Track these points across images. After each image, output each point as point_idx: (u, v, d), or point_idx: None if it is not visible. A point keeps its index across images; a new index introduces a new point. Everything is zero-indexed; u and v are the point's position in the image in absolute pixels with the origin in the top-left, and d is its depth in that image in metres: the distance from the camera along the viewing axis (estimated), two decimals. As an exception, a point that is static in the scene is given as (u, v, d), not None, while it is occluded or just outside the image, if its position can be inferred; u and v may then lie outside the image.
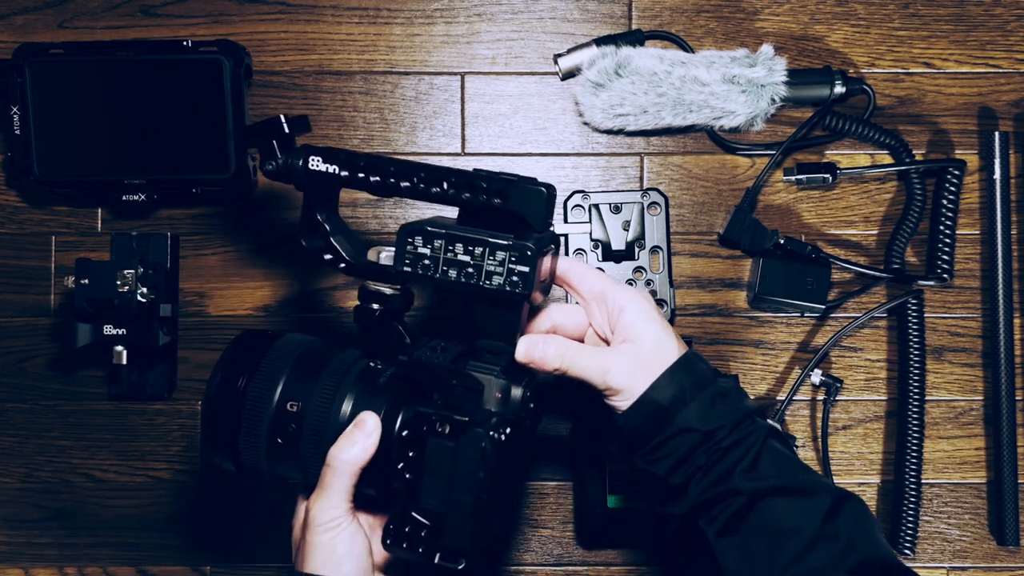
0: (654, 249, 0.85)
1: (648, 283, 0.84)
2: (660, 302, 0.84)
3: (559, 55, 0.85)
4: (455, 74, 0.86)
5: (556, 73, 0.86)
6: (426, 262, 0.57)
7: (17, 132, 0.80)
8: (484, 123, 0.86)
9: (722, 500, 0.59)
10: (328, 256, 0.62)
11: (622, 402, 0.60)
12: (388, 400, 0.59)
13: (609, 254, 0.84)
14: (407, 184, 0.58)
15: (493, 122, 0.86)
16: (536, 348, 0.60)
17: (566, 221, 0.85)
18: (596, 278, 0.63)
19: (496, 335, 0.60)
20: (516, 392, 0.58)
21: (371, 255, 0.62)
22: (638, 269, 0.84)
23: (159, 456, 0.85)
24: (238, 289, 0.85)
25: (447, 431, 0.55)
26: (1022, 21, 0.86)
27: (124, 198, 0.82)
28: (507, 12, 0.86)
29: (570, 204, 0.85)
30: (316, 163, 0.60)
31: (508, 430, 0.55)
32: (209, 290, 0.85)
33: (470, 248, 0.57)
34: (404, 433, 0.56)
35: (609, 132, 0.86)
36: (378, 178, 0.59)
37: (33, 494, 0.85)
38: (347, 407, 0.59)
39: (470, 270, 0.57)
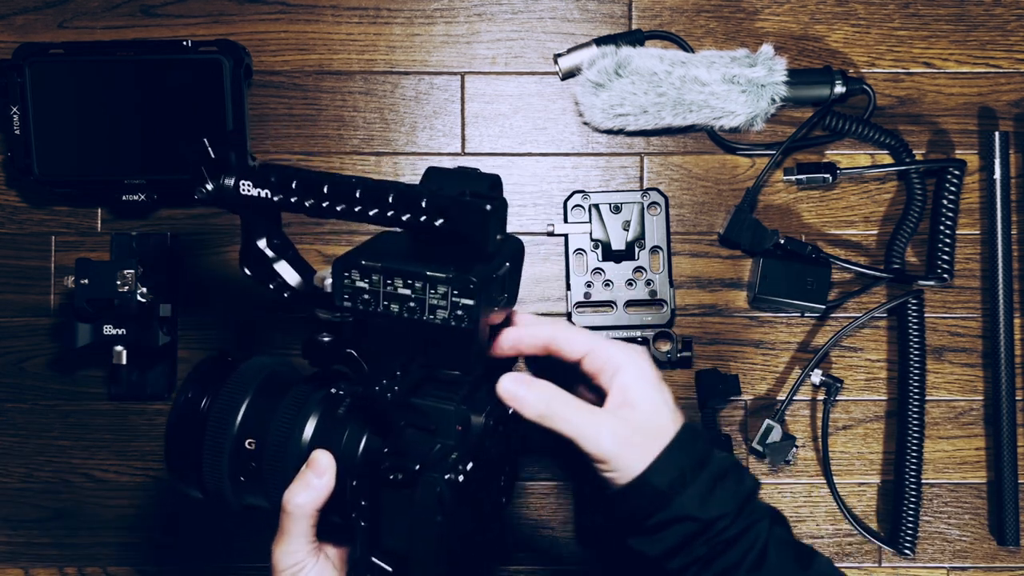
0: (654, 249, 0.85)
1: (648, 283, 0.84)
2: (660, 302, 0.84)
3: (559, 55, 0.85)
4: (455, 74, 0.86)
5: (556, 73, 0.86)
6: (365, 296, 0.53)
7: (17, 132, 0.80)
8: (484, 123, 0.86)
9: None
10: (271, 286, 0.58)
11: (613, 474, 0.54)
12: (349, 429, 0.56)
13: (609, 254, 0.84)
14: (343, 207, 0.53)
15: (493, 122, 0.86)
16: (519, 389, 0.54)
17: (566, 221, 0.85)
18: (586, 338, 0.57)
19: (451, 365, 0.55)
20: (477, 420, 0.54)
21: (317, 281, 0.57)
22: (638, 269, 0.84)
23: (159, 456, 0.85)
24: (237, 289, 0.85)
25: (399, 478, 0.51)
26: (1022, 21, 0.86)
27: (124, 198, 0.82)
28: (507, 12, 0.86)
29: (570, 204, 0.85)
30: (247, 187, 0.55)
31: (468, 466, 0.52)
32: (209, 290, 0.85)
33: (409, 282, 0.52)
34: (354, 484, 0.53)
35: (609, 132, 0.86)
36: (312, 201, 0.54)
37: (33, 494, 0.85)
38: (307, 438, 0.56)
39: (412, 304, 0.52)
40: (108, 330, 0.78)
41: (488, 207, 0.50)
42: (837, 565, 0.84)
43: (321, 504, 0.55)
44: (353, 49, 0.86)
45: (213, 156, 0.56)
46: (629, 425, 0.54)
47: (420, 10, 0.86)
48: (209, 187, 0.57)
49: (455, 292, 0.51)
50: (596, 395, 0.57)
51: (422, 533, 0.51)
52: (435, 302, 0.52)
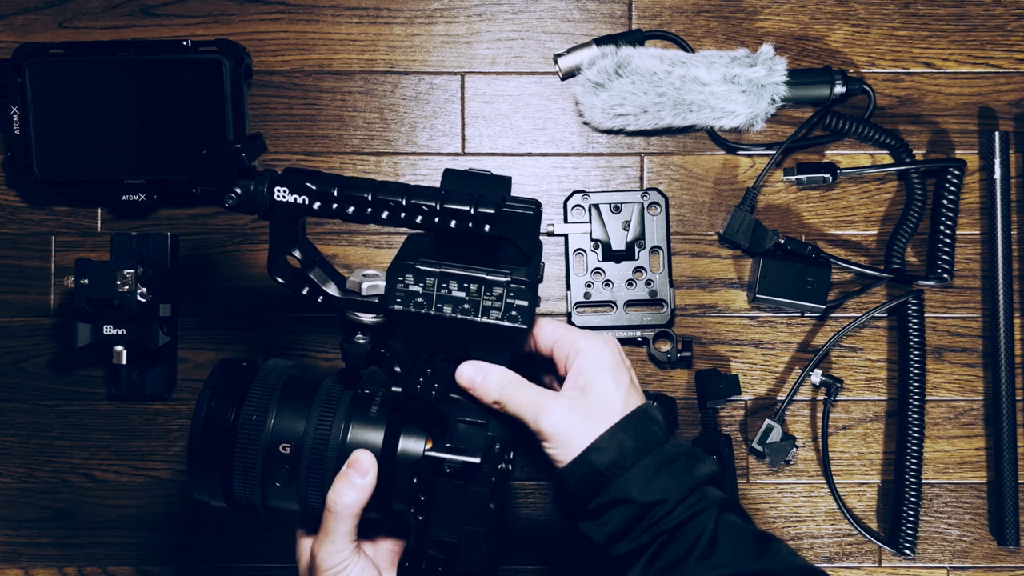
0: (654, 249, 0.85)
1: (648, 283, 0.84)
2: (660, 302, 0.84)
3: (559, 55, 0.85)
4: (455, 74, 0.86)
5: (556, 73, 0.86)
6: (419, 299, 0.55)
7: (17, 132, 0.80)
8: (484, 123, 0.86)
9: None
10: (305, 291, 0.58)
11: (555, 451, 0.55)
12: (384, 427, 0.57)
13: (609, 254, 0.84)
14: (389, 213, 0.53)
15: (493, 122, 0.86)
16: (479, 375, 0.55)
17: (566, 221, 0.85)
18: (554, 328, 0.59)
19: (492, 360, 0.57)
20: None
21: (351, 285, 0.58)
22: (638, 269, 0.84)
23: (159, 456, 0.85)
24: (238, 289, 0.85)
25: (462, 472, 0.53)
26: (1022, 21, 0.86)
27: (124, 198, 0.82)
28: (507, 12, 0.86)
29: (570, 204, 0.85)
30: (282, 194, 0.54)
31: (511, 454, 0.54)
32: (209, 290, 0.85)
33: (465, 285, 0.54)
34: (415, 480, 0.55)
35: (609, 132, 0.86)
36: (355, 208, 0.54)
37: (33, 494, 0.85)
38: (342, 439, 0.57)
39: (466, 306, 0.54)
40: (108, 330, 0.78)
41: (533, 213, 0.53)
42: (837, 565, 0.85)
43: (365, 503, 0.56)
44: (353, 49, 0.86)
45: (247, 163, 0.55)
46: (576, 405, 0.55)
47: (420, 10, 0.86)
48: (238, 191, 0.55)
49: (511, 294, 0.54)
50: (561, 385, 0.58)
51: (476, 518, 0.53)
52: (489, 303, 0.54)
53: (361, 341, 0.57)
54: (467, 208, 0.52)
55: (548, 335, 0.59)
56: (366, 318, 0.57)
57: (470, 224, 0.53)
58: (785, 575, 0.53)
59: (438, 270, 0.54)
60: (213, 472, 0.57)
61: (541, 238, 0.84)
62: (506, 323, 0.54)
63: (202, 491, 0.58)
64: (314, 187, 0.54)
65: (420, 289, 0.55)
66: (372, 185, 0.54)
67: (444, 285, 0.54)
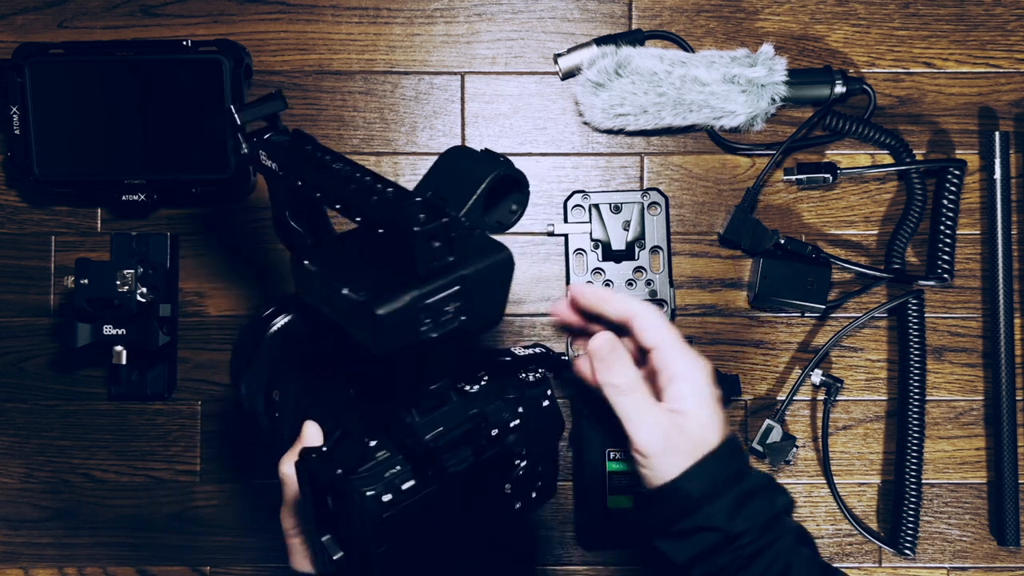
0: (654, 249, 0.85)
1: (648, 283, 0.84)
2: (660, 302, 0.84)
3: (559, 55, 0.85)
4: (455, 74, 0.86)
5: (556, 73, 0.86)
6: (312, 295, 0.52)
7: (17, 132, 0.80)
8: (484, 123, 0.86)
9: None
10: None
11: (647, 471, 0.56)
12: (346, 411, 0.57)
13: (609, 254, 0.84)
14: (325, 195, 0.52)
15: (493, 122, 0.86)
16: (612, 353, 0.56)
17: (566, 221, 0.85)
18: (660, 334, 0.58)
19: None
20: (433, 436, 0.52)
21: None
22: (638, 269, 0.84)
23: (159, 456, 0.85)
24: (238, 289, 0.85)
25: (325, 481, 0.52)
26: (1022, 21, 0.86)
27: (124, 198, 0.82)
28: (507, 12, 0.86)
29: (570, 204, 0.85)
30: (264, 157, 0.57)
31: (407, 484, 0.52)
32: (209, 290, 0.85)
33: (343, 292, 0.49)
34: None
35: (609, 132, 0.86)
36: (303, 183, 0.54)
37: (33, 494, 0.85)
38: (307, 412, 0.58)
39: (338, 315, 0.49)
40: (108, 330, 0.78)
41: (416, 229, 0.45)
42: (837, 565, 0.85)
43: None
44: (353, 49, 0.86)
45: (239, 123, 0.58)
46: (678, 429, 0.55)
47: (420, 10, 0.86)
48: (245, 149, 0.59)
49: (360, 317, 0.47)
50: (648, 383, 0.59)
51: (353, 536, 0.52)
52: (354, 321, 0.48)
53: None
54: (368, 203, 0.50)
55: (652, 337, 0.58)
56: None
57: (369, 220, 0.50)
58: None
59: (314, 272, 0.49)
60: (239, 365, 0.59)
61: (542, 237, 0.85)
62: (366, 344, 0.48)
63: (234, 376, 0.60)
64: (286, 160, 0.54)
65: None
66: (325, 168, 0.53)
67: (349, 306, 0.48)
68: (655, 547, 0.57)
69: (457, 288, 0.48)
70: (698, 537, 0.55)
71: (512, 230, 0.85)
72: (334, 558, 0.53)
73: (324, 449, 0.52)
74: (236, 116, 0.57)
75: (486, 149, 0.56)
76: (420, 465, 0.52)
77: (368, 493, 0.50)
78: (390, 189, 0.50)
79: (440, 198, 0.52)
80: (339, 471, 0.51)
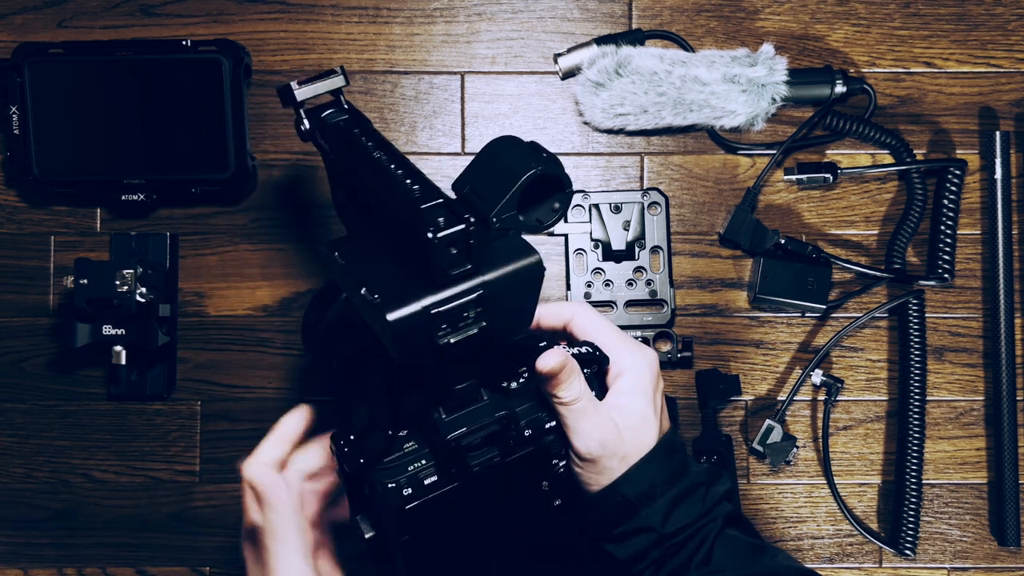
0: (654, 249, 0.84)
1: (648, 283, 0.84)
2: (660, 302, 0.84)
3: (559, 54, 0.85)
4: (455, 74, 0.86)
5: (556, 73, 0.85)
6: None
7: (16, 132, 0.80)
8: (484, 123, 0.86)
9: None
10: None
11: (587, 476, 0.57)
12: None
13: (609, 254, 0.84)
14: (359, 185, 0.53)
15: (493, 122, 0.86)
16: (564, 371, 0.54)
17: (566, 221, 0.84)
18: (600, 330, 0.59)
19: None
20: (457, 435, 0.52)
21: None
22: (638, 269, 0.84)
23: (159, 456, 0.85)
24: (237, 289, 0.85)
25: (345, 467, 0.52)
26: (1022, 21, 0.86)
27: (123, 198, 0.82)
28: (507, 12, 0.86)
29: (570, 204, 0.84)
30: (319, 136, 0.58)
31: (430, 479, 0.52)
32: (208, 290, 0.85)
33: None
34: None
35: (609, 132, 0.85)
36: (346, 169, 0.54)
37: (33, 494, 0.85)
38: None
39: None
40: (108, 330, 0.78)
41: (430, 235, 0.45)
42: (837, 565, 0.85)
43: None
44: (353, 49, 0.86)
45: (297, 100, 0.57)
46: (617, 432, 0.56)
47: (420, 10, 0.86)
48: (306, 125, 0.59)
49: (375, 319, 0.48)
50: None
51: (382, 523, 0.52)
52: (374, 321, 0.48)
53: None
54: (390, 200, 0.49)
55: (592, 334, 0.58)
56: None
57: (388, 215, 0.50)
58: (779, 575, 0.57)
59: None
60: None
61: (542, 237, 0.85)
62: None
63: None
64: (334, 141, 0.55)
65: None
66: (375, 166, 0.52)
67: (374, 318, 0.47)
68: (602, 549, 0.59)
69: (477, 295, 0.47)
70: (638, 538, 0.57)
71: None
72: (366, 536, 0.53)
73: (352, 437, 0.52)
74: (295, 92, 0.57)
75: (533, 142, 0.54)
76: (444, 462, 0.52)
77: (389, 485, 0.50)
78: (417, 187, 0.48)
79: (475, 194, 0.51)
80: (362, 460, 0.51)
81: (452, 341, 0.47)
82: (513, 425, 0.54)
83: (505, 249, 0.48)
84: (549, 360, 0.53)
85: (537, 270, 0.49)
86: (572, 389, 0.54)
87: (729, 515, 0.58)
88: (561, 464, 0.57)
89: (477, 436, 0.52)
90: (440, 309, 0.46)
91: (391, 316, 0.45)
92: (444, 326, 0.47)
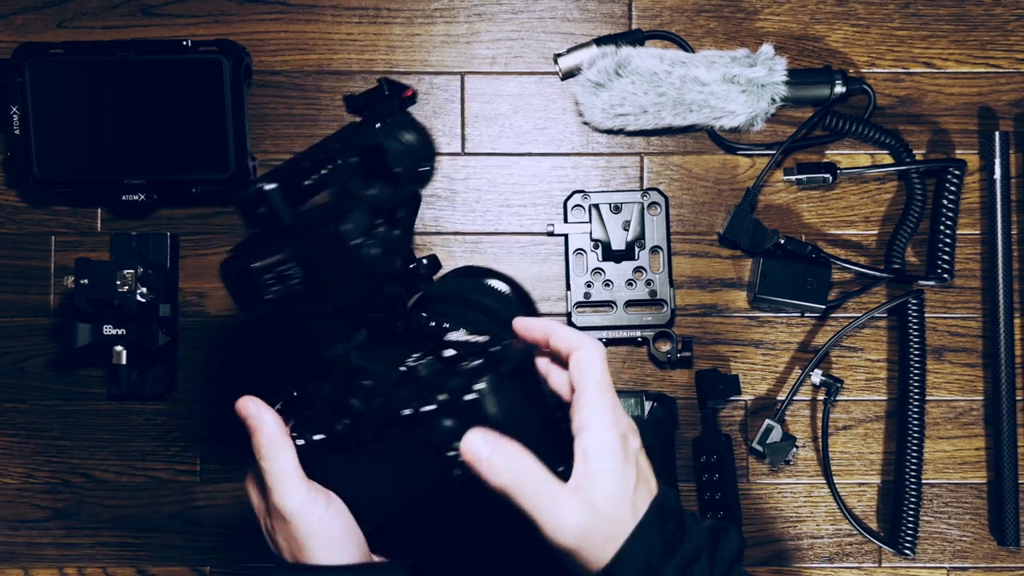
0: (654, 249, 0.85)
1: (648, 283, 0.84)
2: (660, 302, 0.84)
3: (559, 55, 0.85)
4: (455, 74, 0.86)
5: (556, 73, 0.86)
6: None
7: (17, 132, 0.80)
8: (484, 123, 0.86)
9: None
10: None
11: (571, 561, 0.49)
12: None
13: (609, 254, 0.84)
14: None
15: (493, 122, 0.86)
16: (485, 449, 0.48)
17: (566, 221, 0.85)
18: (593, 377, 0.51)
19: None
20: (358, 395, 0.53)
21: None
22: (638, 269, 0.84)
23: (159, 456, 0.85)
24: (238, 289, 0.85)
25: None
26: (1022, 21, 0.86)
27: (124, 198, 0.82)
28: (507, 12, 0.86)
29: (570, 204, 0.85)
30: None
31: (320, 436, 0.53)
32: (209, 290, 0.85)
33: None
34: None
35: (609, 132, 0.86)
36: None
37: (33, 494, 0.85)
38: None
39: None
40: (108, 330, 0.78)
41: (239, 193, 0.53)
42: (837, 565, 0.85)
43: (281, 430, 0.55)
44: (353, 49, 0.86)
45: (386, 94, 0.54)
46: (593, 510, 0.48)
47: (420, 10, 0.86)
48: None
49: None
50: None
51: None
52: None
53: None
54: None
55: (579, 378, 0.51)
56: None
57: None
58: None
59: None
60: None
61: (542, 237, 0.85)
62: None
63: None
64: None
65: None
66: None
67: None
68: None
69: (286, 255, 0.51)
70: None
71: (512, 230, 0.85)
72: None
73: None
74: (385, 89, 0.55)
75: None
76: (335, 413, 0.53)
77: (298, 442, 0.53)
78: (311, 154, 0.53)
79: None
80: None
81: (273, 299, 0.52)
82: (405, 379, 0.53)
83: (320, 218, 0.51)
84: (470, 442, 0.48)
85: (341, 241, 0.50)
86: (509, 469, 0.48)
87: (737, 552, 0.52)
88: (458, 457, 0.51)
89: (352, 394, 0.53)
90: (256, 263, 0.52)
91: (224, 262, 0.53)
92: (271, 281, 0.52)
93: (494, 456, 0.48)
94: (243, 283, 0.53)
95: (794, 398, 0.85)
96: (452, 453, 0.50)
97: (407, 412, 0.51)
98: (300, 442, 0.53)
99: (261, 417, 0.54)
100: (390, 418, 0.51)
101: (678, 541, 0.50)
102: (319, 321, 0.54)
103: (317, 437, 0.53)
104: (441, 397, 0.50)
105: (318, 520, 0.53)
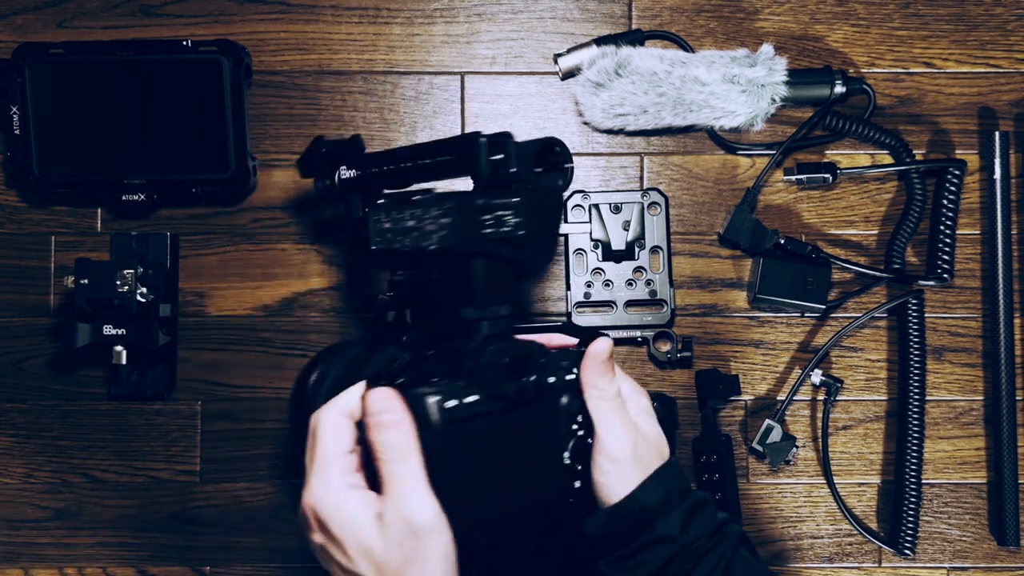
0: (654, 249, 0.85)
1: (648, 283, 0.84)
2: (660, 302, 0.84)
3: (559, 55, 0.85)
4: (455, 74, 0.86)
5: (556, 73, 0.86)
6: (388, 236, 0.56)
7: (17, 132, 0.80)
8: (484, 123, 0.86)
9: None
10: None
11: (608, 478, 0.56)
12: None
13: (609, 254, 0.84)
14: (410, 163, 0.61)
15: (493, 122, 0.86)
16: (608, 361, 0.57)
17: (566, 221, 0.85)
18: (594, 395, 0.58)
19: (467, 303, 0.56)
20: (501, 359, 0.54)
21: None
22: (638, 269, 0.84)
23: (159, 456, 0.85)
24: (238, 289, 0.85)
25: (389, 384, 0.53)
26: (1022, 21, 0.86)
27: (124, 198, 0.82)
28: (507, 12, 0.86)
29: (570, 204, 0.84)
30: (343, 171, 0.65)
31: (474, 397, 0.52)
32: (209, 290, 0.85)
33: (411, 211, 0.55)
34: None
35: (609, 132, 0.86)
36: (389, 167, 0.62)
37: (33, 494, 0.85)
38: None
39: (415, 234, 0.55)
40: (108, 330, 0.78)
41: (482, 138, 0.56)
42: (837, 565, 0.85)
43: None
44: (353, 49, 0.86)
45: (324, 150, 0.67)
46: (644, 440, 0.57)
47: (420, 10, 0.86)
48: (325, 182, 0.68)
49: (437, 211, 0.54)
50: None
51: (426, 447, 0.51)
52: (431, 227, 0.54)
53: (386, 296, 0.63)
54: (434, 145, 0.59)
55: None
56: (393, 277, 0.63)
57: (439, 158, 0.58)
58: None
59: (390, 201, 0.56)
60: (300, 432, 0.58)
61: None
62: (448, 243, 0.54)
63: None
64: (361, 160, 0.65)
65: (389, 225, 0.55)
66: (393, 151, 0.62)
67: (399, 215, 0.55)
68: (604, 573, 0.57)
69: (517, 200, 0.55)
70: (654, 551, 0.55)
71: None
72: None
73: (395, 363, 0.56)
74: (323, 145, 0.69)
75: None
76: (484, 387, 0.54)
77: (434, 396, 0.51)
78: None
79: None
80: (400, 380, 0.53)
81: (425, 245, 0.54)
82: (539, 352, 0.56)
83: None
84: (602, 343, 0.56)
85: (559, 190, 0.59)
86: (614, 383, 0.57)
87: (740, 535, 0.59)
88: (580, 432, 0.57)
89: (504, 355, 0.54)
90: (406, 211, 0.55)
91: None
92: (412, 224, 0.55)
93: (608, 368, 0.57)
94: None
95: (794, 398, 0.85)
96: (573, 427, 0.57)
97: (532, 379, 0.55)
98: (452, 403, 0.52)
99: (401, 413, 0.50)
100: (520, 386, 0.54)
101: (689, 489, 0.58)
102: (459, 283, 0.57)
103: (470, 399, 0.52)
104: (554, 377, 0.56)
105: (448, 540, 0.50)
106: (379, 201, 0.56)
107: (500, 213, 0.54)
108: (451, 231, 0.53)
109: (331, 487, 0.50)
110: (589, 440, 0.57)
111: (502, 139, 0.56)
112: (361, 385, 0.53)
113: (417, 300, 0.63)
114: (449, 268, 0.56)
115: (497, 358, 0.53)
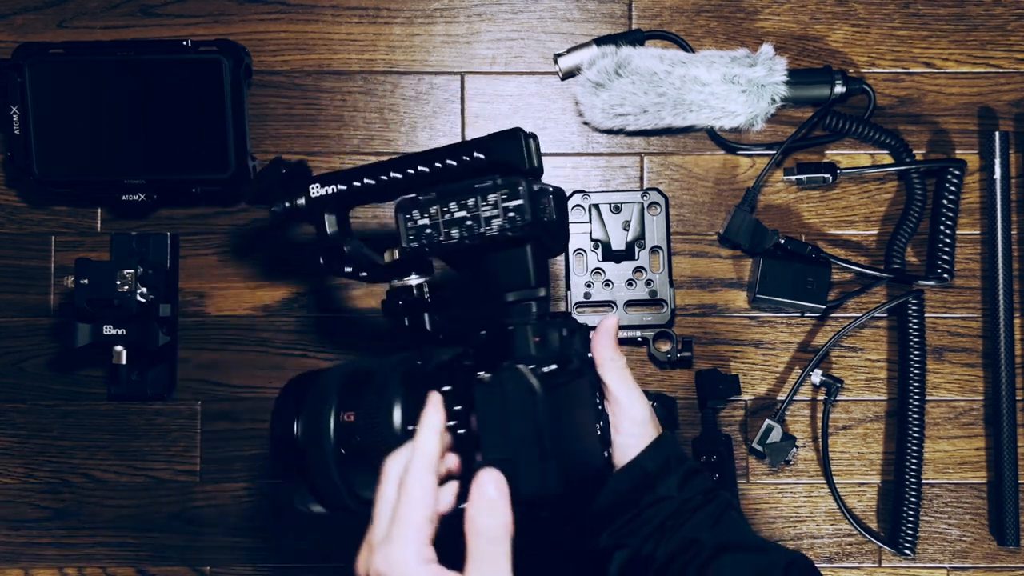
0: (654, 249, 0.85)
1: (648, 283, 0.84)
2: (660, 302, 0.84)
3: (559, 55, 0.85)
4: (455, 74, 0.86)
5: (556, 73, 0.86)
6: (428, 231, 0.57)
7: (17, 132, 0.80)
8: (484, 123, 0.86)
9: (686, 552, 0.58)
10: (347, 269, 0.66)
11: (624, 438, 0.60)
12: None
13: (609, 254, 0.84)
14: (399, 175, 0.60)
15: (493, 122, 0.86)
16: (617, 346, 0.60)
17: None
18: (614, 379, 0.61)
19: (517, 285, 0.57)
20: (553, 335, 0.56)
21: (387, 256, 0.63)
22: (638, 269, 0.84)
23: (159, 456, 0.85)
24: (237, 289, 0.85)
25: (487, 376, 0.52)
26: (1022, 21, 0.86)
27: (124, 198, 0.82)
28: (507, 12, 0.86)
29: (570, 204, 0.84)
30: (315, 189, 0.64)
31: (553, 366, 0.54)
32: (209, 290, 0.85)
33: (463, 201, 0.56)
34: (445, 389, 0.54)
35: (609, 132, 0.86)
36: (373, 181, 0.61)
37: (33, 494, 0.85)
38: (397, 411, 0.56)
39: (469, 223, 0.56)
40: (108, 330, 0.78)
41: (520, 132, 0.57)
42: (837, 565, 0.85)
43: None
44: (353, 49, 0.86)
45: (284, 171, 0.66)
46: (647, 411, 0.61)
47: (420, 10, 0.86)
48: (286, 204, 0.66)
49: (503, 196, 0.55)
50: None
51: (521, 427, 0.51)
52: (488, 213, 0.55)
53: (400, 303, 0.63)
54: (459, 147, 0.59)
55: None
56: (404, 283, 0.63)
57: (467, 157, 0.58)
58: (774, 550, 0.61)
59: (435, 193, 0.57)
60: (299, 485, 0.59)
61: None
62: (508, 227, 0.55)
63: (300, 503, 0.60)
64: (342, 175, 0.63)
65: (428, 221, 0.57)
66: (384, 162, 0.61)
67: (446, 209, 0.56)
68: (599, 550, 0.60)
69: (551, 189, 0.58)
70: (653, 511, 0.59)
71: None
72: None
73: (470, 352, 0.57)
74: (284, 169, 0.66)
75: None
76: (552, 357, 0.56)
77: (531, 367, 0.52)
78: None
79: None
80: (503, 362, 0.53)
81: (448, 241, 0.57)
82: (571, 324, 0.58)
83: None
84: (612, 319, 0.60)
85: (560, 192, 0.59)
86: (623, 356, 0.60)
87: (730, 501, 0.62)
88: (599, 405, 0.60)
89: (561, 328, 0.57)
90: (432, 208, 0.57)
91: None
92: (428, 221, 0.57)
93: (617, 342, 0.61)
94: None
95: (794, 398, 0.85)
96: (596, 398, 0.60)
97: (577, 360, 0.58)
98: (548, 368, 0.53)
99: (507, 497, 0.49)
100: (581, 356, 0.58)
101: (685, 457, 0.62)
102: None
103: (548, 368, 0.54)
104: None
105: None
106: (404, 200, 0.58)
107: (543, 200, 0.57)
108: (517, 214, 0.55)
109: (409, 559, 0.48)
110: (606, 412, 0.60)
111: (530, 133, 0.58)
112: (437, 423, 0.52)
113: (437, 296, 0.64)
114: (495, 255, 0.57)
115: (559, 331, 0.56)
